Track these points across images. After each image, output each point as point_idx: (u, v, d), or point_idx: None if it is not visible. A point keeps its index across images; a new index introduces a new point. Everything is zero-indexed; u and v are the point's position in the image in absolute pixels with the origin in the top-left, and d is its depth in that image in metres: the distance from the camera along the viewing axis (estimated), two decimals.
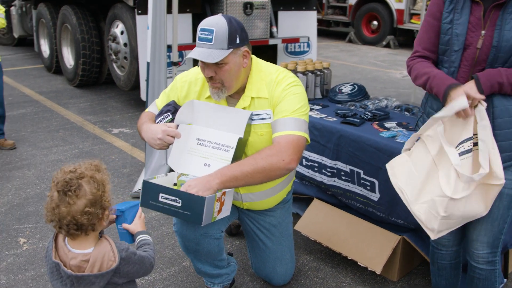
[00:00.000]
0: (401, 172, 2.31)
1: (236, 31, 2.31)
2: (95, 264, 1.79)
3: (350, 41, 13.73)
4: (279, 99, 2.41)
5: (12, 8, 10.62)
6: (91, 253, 1.80)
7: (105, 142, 5.44)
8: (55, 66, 8.57)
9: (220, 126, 2.45)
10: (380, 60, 10.91)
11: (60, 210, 1.73)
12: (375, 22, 13.12)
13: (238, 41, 2.31)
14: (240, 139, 2.40)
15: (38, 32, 9.10)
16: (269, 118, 2.44)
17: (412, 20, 12.23)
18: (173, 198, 2.21)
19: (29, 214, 3.81)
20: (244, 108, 2.45)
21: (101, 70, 7.69)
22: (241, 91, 2.48)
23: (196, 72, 2.60)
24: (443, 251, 2.50)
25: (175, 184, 2.50)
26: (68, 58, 8.05)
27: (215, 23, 2.28)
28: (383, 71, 9.70)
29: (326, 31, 15.52)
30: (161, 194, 2.23)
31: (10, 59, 10.38)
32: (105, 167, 1.88)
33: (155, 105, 2.70)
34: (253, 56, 2.52)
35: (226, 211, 2.35)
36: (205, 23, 2.30)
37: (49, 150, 5.18)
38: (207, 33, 2.28)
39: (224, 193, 2.29)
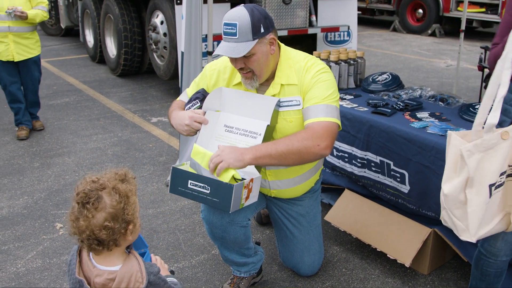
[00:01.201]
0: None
1: (260, 20, 2.30)
2: (121, 283, 1.65)
3: (394, 30, 13.45)
4: (309, 86, 2.41)
5: (59, 0, 10.90)
6: (118, 271, 1.67)
7: (144, 131, 5.53)
8: (99, 56, 8.76)
9: (247, 113, 2.45)
10: (424, 49, 10.65)
11: (79, 224, 1.61)
12: (420, 10, 12.80)
13: (262, 30, 2.31)
14: (268, 126, 2.40)
15: (83, 22, 9.30)
16: (299, 104, 2.44)
17: (459, 8, 11.87)
18: (202, 185, 2.23)
19: (67, 200, 3.92)
20: (273, 95, 2.46)
21: (143, 59, 7.80)
22: (270, 78, 2.49)
23: (225, 60, 2.62)
24: (491, 260, 2.35)
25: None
26: (111, 48, 8.20)
27: (237, 16, 2.28)
28: (427, 60, 9.47)
29: (370, 19, 15.26)
30: (190, 181, 2.26)
31: (57, 49, 10.66)
32: (134, 176, 1.75)
33: (186, 94, 2.74)
34: (281, 44, 2.52)
35: (253, 198, 2.36)
36: (228, 17, 2.31)
37: (89, 138, 5.31)
38: (230, 27, 2.28)
39: (252, 180, 2.29)
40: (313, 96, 2.39)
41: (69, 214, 1.65)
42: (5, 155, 4.85)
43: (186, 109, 2.57)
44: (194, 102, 2.59)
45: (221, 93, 2.51)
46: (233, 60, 2.37)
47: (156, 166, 4.57)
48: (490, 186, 1.97)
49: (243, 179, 2.25)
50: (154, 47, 6.70)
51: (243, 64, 2.35)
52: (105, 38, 8.28)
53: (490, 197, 1.98)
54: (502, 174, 2.00)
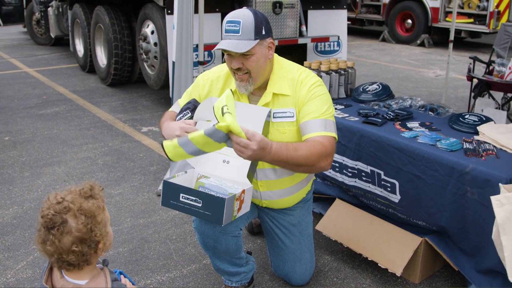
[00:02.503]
0: None
1: (262, 22, 2.35)
2: None
3: (384, 40, 13.56)
4: (305, 99, 2.44)
5: (49, 9, 10.88)
6: (82, 287, 1.64)
7: (134, 140, 5.52)
8: (89, 65, 8.73)
9: (239, 123, 2.45)
10: (414, 59, 10.74)
11: (46, 248, 1.57)
12: (409, 21, 12.92)
13: (264, 32, 2.36)
14: None
15: (73, 32, 9.28)
16: (293, 116, 2.46)
17: (447, 18, 12.00)
18: (194, 198, 2.23)
19: None
20: (266, 104, 2.47)
21: (133, 69, 7.80)
22: (263, 88, 2.51)
23: (218, 70, 2.64)
24: None
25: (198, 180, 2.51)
26: (101, 57, 8.19)
27: (242, 15, 2.33)
28: (416, 70, 9.55)
29: (359, 30, 15.38)
30: (182, 194, 2.26)
31: (47, 58, 10.64)
32: (101, 188, 1.70)
33: (178, 105, 2.74)
34: (275, 54, 2.53)
35: (246, 208, 2.37)
36: (232, 15, 2.36)
37: (80, 147, 5.29)
38: (234, 24, 2.32)
39: (243, 191, 2.30)
40: (311, 111, 2.42)
41: (36, 236, 1.61)
42: None
43: (177, 120, 2.57)
44: (185, 112, 2.59)
45: (212, 103, 2.51)
46: (231, 60, 2.39)
47: (147, 176, 4.56)
48: None
49: (228, 194, 2.24)
50: (145, 56, 6.70)
51: (241, 64, 2.37)
52: (95, 48, 8.27)
53: None
54: None
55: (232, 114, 2.09)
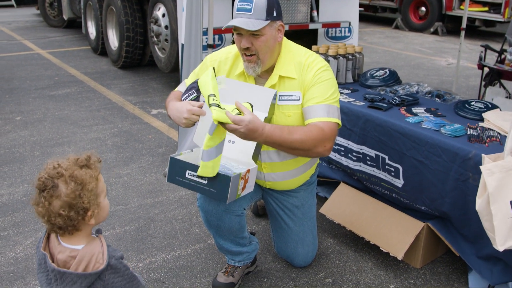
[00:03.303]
0: None
1: (274, 4, 2.38)
2: (81, 262, 1.67)
3: (397, 27, 13.45)
4: (311, 84, 2.45)
5: None
6: (79, 250, 1.69)
7: (143, 122, 5.57)
8: (100, 47, 8.77)
9: (242, 102, 2.47)
10: (426, 47, 10.67)
11: (38, 209, 1.65)
12: (423, 8, 12.80)
13: (275, 14, 2.39)
14: (265, 118, 2.42)
15: (86, 14, 9.32)
16: (298, 100, 2.48)
17: (461, 7, 11.87)
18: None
19: None
20: (272, 86, 2.49)
21: (144, 52, 7.83)
22: (270, 70, 2.53)
23: (226, 52, 2.66)
24: None
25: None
26: (113, 40, 8.22)
27: None
28: (428, 58, 9.49)
29: (373, 17, 15.26)
30: (187, 171, 2.29)
31: (59, 40, 10.69)
32: (99, 159, 1.75)
33: (184, 85, 2.76)
34: (284, 37, 2.55)
35: (249, 188, 2.40)
36: None
37: (90, 128, 5.35)
38: (246, 3, 2.35)
39: (248, 171, 2.33)
40: (315, 96, 2.44)
41: (31, 198, 1.68)
42: (6, 144, 4.89)
43: (183, 99, 2.59)
44: (190, 92, 2.60)
45: (219, 81, 2.53)
46: (240, 39, 2.41)
47: (155, 157, 4.61)
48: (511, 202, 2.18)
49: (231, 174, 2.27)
50: (156, 39, 6.73)
51: (250, 44, 2.39)
52: (107, 30, 8.30)
53: None
54: None
55: (217, 99, 2.20)
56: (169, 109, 2.58)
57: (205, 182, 2.25)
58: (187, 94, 2.57)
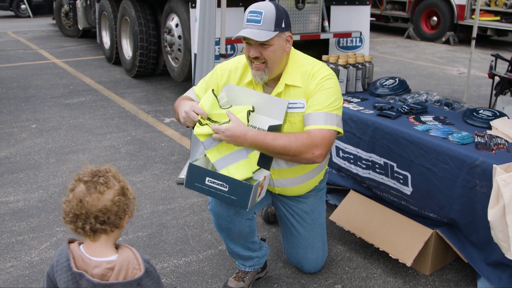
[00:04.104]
0: None
1: (283, 16, 2.46)
2: (120, 272, 1.71)
3: (408, 37, 13.47)
4: (313, 92, 2.52)
5: (78, 2, 11.10)
6: (116, 261, 1.72)
7: (156, 131, 5.65)
8: (115, 57, 8.91)
9: (260, 111, 2.54)
10: (438, 57, 10.68)
11: (91, 199, 1.67)
12: (434, 18, 12.82)
13: (283, 25, 2.46)
14: (279, 125, 2.49)
15: (101, 24, 9.47)
16: (303, 107, 2.54)
17: (473, 16, 11.87)
18: (220, 182, 2.34)
19: None
20: (278, 94, 2.57)
21: (158, 61, 7.94)
22: (277, 79, 2.60)
23: (236, 61, 2.73)
24: None
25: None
26: (127, 49, 8.35)
27: (264, 6, 2.44)
28: (440, 67, 9.50)
29: (384, 26, 15.30)
30: (208, 178, 2.37)
31: (74, 50, 10.86)
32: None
33: (193, 91, 2.82)
34: (292, 47, 2.62)
35: (263, 193, 2.52)
36: (255, 6, 2.46)
37: (104, 136, 5.44)
38: (256, 15, 2.42)
39: (264, 177, 2.44)
40: (315, 103, 2.50)
41: (68, 200, 1.71)
42: (22, 151, 4.99)
43: None
44: None
45: (229, 89, 2.60)
46: (250, 48, 2.48)
47: (167, 165, 4.68)
48: None
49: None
50: (169, 49, 6.83)
51: (259, 53, 2.46)
52: (121, 40, 8.44)
53: None
54: None
55: (208, 122, 2.43)
56: (175, 111, 2.66)
57: (226, 189, 2.33)
58: None
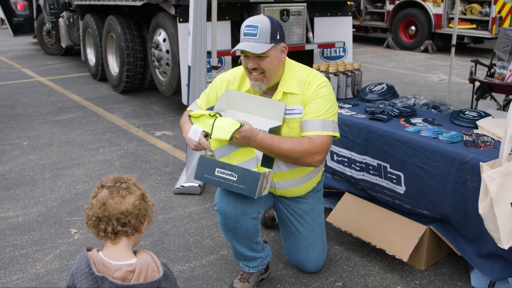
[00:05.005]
0: None
1: (277, 28, 2.61)
2: (140, 274, 1.77)
3: (388, 46, 13.78)
4: (310, 99, 2.68)
5: (60, 20, 11.16)
6: (135, 264, 1.79)
7: (149, 144, 5.73)
8: (100, 73, 8.98)
9: (260, 114, 2.70)
10: (417, 65, 10.95)
11: (113, 202, 1.78)
12: (413, 27, 13.14)
13: (278, 37, 2.61)
14: (279, 126, 2.63)
15: (85, 41, 9.54)
16: (300, 113, 2.70)
17: (450, 25, 12.20)
18: (229, 172, 2.49)
19: (79, 208, 4.11)
20: None
21: (144, 76, 8.03)
22: (274, 88, 2.74)
23: (233, 72, 2.87)
24: None
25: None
26: (113, 65, 8.43)
27: (259, 20, 2.59)
28: (420, 75, 9.75)
29: (364, 37, 15.62)
30: (217, 169, 2.52)
31: (58, 67, 10.90)
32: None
33: (196, 104, 2.98)
34: (287, 57, 2.76)
35: (266, 190, 2.63)
36: (250, 20, 2.61)
37: (96, 151, 5.50)
38: (252, 28, 2.57)
39: (269, 172, 2.60)
40: (312, 110, 2.66)
41: (92, 204, 1.81)
42: (16, 168, 5.03)
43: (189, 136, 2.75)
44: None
45: (228, 94, 2.75)
46: (248, 60, 2.62)
47: (163, 176, 4.77)
48: None
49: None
50: (157, 63, 6.93)
51: (257, 65, 2.61)
52: (107, 56, 8.52)
53: None
54: None
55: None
56: (184, 131, 2.79)
57: (235, 179, 2.48)
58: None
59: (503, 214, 2.42)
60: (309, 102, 2.67)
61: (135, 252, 1.88)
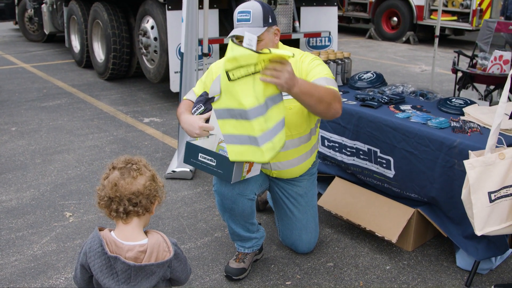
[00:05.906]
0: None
1: (269, 12, 2.70)
2: (152, 254, 1.82)
3: (370, 37, 13.94)
4: (308, 69, 2.75)
5: (43, 6, 11.06)
6: (147, 244, 1.83)
7: (137, 130, 5.78)
8: (85, 60, 8.96)
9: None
10: (400, 56, 11.11)
11: (125, 182, 1.82)
12: (395, 19, 13.32)
13: (270, 20, 2.70)
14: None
15: (69, 28, 9.49)
16: None
17: (432, 16, 12.40)
18: (210, 158, 2.58)
19: (72, 192, 4.16)
20: None
21: (131, 64, 8.04)
22: None
23: None
24: None
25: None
26: (99, 52, 8.42)
27: (251, 5, 2.67)
28: (402, 65, 9.92)
29: (346, 27, 15.75)
30: (200, 154, 2.61)
31: (41, 54, 10.82)
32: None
33: (193, 92, 3.04)
34: (279, 40, 2.85)
35: (255, 171, 2.70)
36: (242, 6, 2.69)
37: (86, 137, 5.54)
38: (244, 14, 2.66)
39: None
40: (314, 74, 2.71)
41: (103, 186, 1.88)
42: (6, 153, 5.05)
43: (193, 113, 2.84)
44: (198, 106, 2.87)
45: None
46: None
47: (153, 161, 4.83)
48: (490, 193, 2.54)
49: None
50: (145, 51, 6.96)
51: None
52: (92, 43, 8.49)
53: (490, 202, 2.54)
54: (507, 187, 2.57)
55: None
56: (181, 121, 2.84)
57: (214, 164, 2.57)
58: (195, 108, 2.84)
59: (479, 201, 2.55)
60: (308, 72, 2.73)
61: (145, 232, 1.94)
